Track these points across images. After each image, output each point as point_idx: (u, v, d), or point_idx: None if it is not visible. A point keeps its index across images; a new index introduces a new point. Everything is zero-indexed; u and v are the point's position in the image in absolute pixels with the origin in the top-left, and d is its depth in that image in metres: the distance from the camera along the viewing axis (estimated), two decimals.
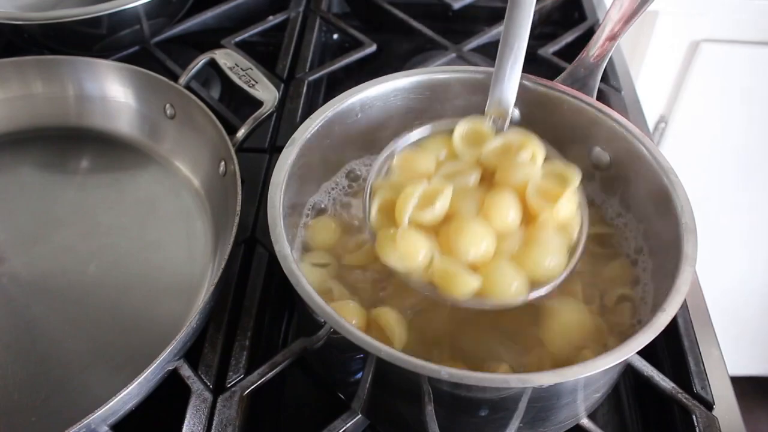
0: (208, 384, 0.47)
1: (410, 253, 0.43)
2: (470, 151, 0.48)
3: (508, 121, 0.49)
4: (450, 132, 0.49)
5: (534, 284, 0.43)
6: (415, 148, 0.49)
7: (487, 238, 0.43)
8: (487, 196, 0.45)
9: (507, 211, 0.44)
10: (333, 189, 0.53)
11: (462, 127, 0.48)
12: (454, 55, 0.74)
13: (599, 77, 0.50)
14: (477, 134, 0.49)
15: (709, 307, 0.54)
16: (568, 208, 0.45)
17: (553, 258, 0.44)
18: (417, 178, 0.46)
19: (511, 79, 0.48)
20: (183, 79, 0.62)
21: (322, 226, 0.51)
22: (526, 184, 0.45)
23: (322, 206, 0.52)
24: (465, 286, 0.42)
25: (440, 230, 0.45)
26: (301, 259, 0.49)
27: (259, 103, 0.59)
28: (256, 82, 0.60)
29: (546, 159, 0.47)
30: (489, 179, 0.47)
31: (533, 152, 0.47)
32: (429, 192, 0.45)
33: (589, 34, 0.70)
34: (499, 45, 0.47)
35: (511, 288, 0.42)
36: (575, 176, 0.45)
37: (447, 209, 0.45)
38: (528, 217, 0.45)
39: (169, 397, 0.46)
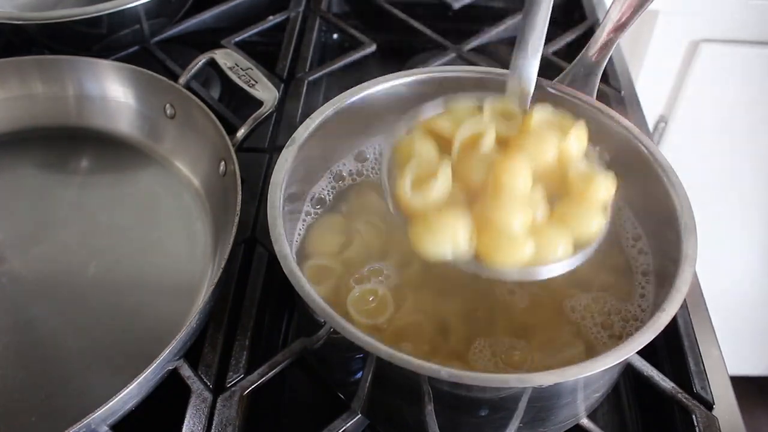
0: (208, 384, 0.47)
1: (452, 233, 0.40)
2: (503, 127, 0.46)
3: (529, 101, 0.47)
4: (471, 107, 0.47)
5: (575, 247, 0.42)
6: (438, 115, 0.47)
7: (526, 206, 0.42)
8: (498, 161, 0.43)
9: (523, 174, 0.42)
10: (334, 188, 0.53)
11: (491, 103, 0.47)
12: (454, 55, 0.74)
13: (599, 77, 0.50)
14: (504, 113, 0.47)
15: (709, 307, 0.54)
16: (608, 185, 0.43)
17: (594, 216, 0.42)
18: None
19: (535, 56, 0.46)
20: (183, 79, 0.62)
21: (324, 226, 0.51)
22: (553, 156, 0.44)
23: (323, 205, 0.52)
24: (518, 253, 0.41)
25: (473, 207, 0.42)
26: (302, 262, 0.48)
27: (259, 103, 0.59)
28: (256, 82, 0.60)
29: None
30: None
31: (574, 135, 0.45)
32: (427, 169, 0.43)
33: (589, 34, 0.70)
34: (521, 21, 0.45)
35: (558, 250, 0.41)
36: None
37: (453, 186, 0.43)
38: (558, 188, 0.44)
39: (169, 397, 0.46)
